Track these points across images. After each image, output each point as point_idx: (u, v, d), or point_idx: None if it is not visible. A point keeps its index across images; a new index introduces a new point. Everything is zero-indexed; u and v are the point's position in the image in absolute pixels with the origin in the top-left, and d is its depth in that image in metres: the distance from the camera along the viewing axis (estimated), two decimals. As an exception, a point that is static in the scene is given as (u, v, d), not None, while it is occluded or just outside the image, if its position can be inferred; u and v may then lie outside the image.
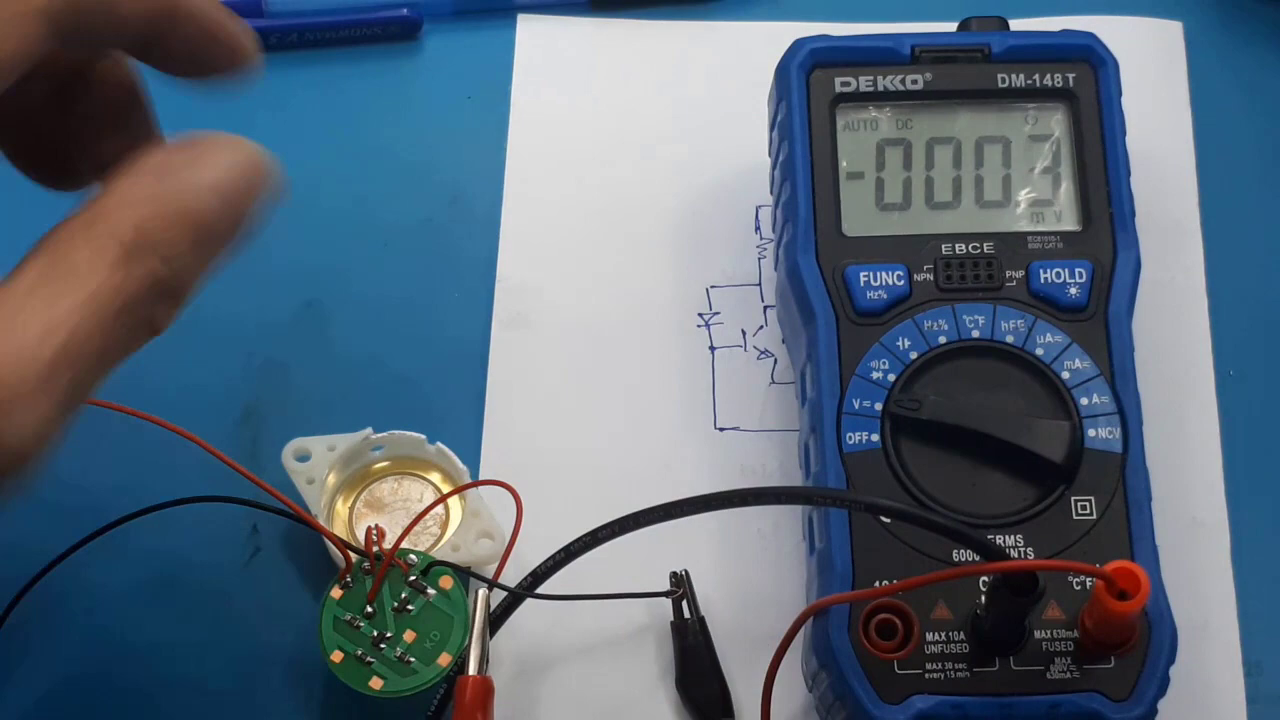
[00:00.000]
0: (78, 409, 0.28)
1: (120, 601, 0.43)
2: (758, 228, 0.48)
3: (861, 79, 0.42)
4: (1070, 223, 0.41)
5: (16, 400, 0.27)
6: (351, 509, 0.43)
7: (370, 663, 0.39)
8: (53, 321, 0.27)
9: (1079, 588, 0.37)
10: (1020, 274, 0.40)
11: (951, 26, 0.44)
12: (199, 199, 0.29)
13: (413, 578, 0.40)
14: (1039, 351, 0.40)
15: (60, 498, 0.44)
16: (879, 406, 0.39)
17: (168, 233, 0.29)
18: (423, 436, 0.43)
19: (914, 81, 0.42)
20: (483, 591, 0.39)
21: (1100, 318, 0.40)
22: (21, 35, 0.29)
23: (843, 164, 0.42)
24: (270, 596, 0.43)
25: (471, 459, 0.44)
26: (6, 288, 0.28)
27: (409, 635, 0.40)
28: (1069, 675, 0.37)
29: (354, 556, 0.40)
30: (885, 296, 0.40)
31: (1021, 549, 0.38)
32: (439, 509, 0.42)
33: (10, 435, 0.27)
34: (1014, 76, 0.42)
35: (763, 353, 0.46)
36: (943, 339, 0.40)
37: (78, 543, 0.42)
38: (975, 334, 0.40)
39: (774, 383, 0.46)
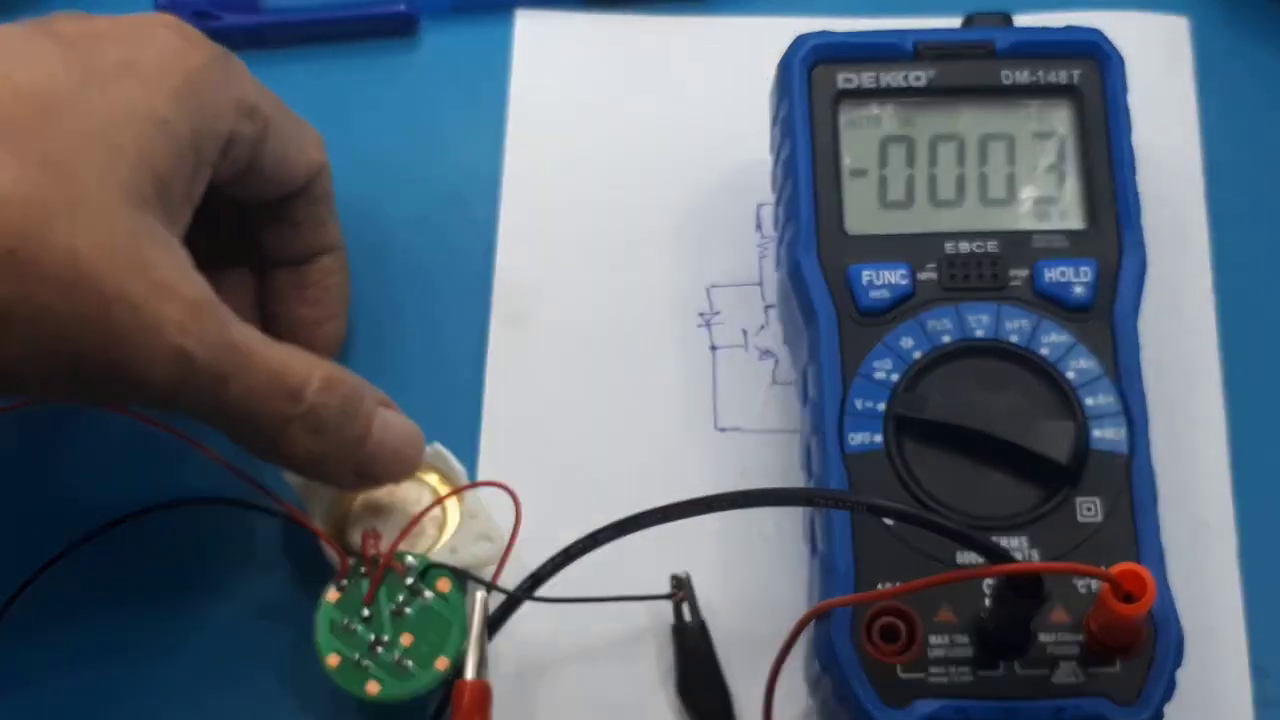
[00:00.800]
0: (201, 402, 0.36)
1: (119, 601, 0.43)
2: (759, 226, 0.48)
3: (864, 75, 0.42)
4: (1075, 221, 0.41)
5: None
6: (349, 511, 0.43)
7: (367, 667, 0.39)
8: (251, 333, 0.37)
9: (1084, 590, 0.37)
10: (1025, 273, 0.40)
11: (955, 22, 0.44)
12: (375, 417, 0.39)
13: (410, 580, 0.40)
14: (1044, 351, 0.39)
15: (60, 497, 0.44)
16: (882, 407, 0.39)
17: (351, 408, 0.38)
18: (421, 437, 0.43)
19: (917, 78, 0.42)
20: (481, 594, 0.39)
21: (1106, 317, 0.40)
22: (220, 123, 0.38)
23: (845, 161, 0.41)
24: (267, 598, 0.43)
25: (470, 460, 0.44)
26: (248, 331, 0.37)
27: (406, 639, 0.39)
28: (1074, 679, 0.36)
29: (351, 559, 0.40)
30: (888, 295, 0.40)
31: (1026, 551, 0.38)
32: (436, 511, 0.42)
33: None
34: (1018, 73, 0.42)
35: (764, 353, 0.46)
36: (946, 338, 0.40)
37: (77, 542, 0.42)
38: (979, 333, 0.40)
39: (775, 383, 0.45)
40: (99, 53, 0.36)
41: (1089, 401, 0.39)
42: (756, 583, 0.42)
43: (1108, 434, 0.39)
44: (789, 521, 0.43)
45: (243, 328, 0.36)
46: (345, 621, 0.39)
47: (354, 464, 0.38)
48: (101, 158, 0.34)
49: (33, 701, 0.42)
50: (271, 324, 0.44)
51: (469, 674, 0.38)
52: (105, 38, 0.36)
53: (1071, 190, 0.42)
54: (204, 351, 0.35)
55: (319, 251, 0.44)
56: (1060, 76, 0.42)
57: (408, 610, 0.40)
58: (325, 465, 0.38)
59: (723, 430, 0.45)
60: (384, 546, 0.40)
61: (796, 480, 0.43)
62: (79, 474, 0.44)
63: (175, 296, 0.35)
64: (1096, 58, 0.42)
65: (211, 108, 0.37)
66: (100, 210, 0.34)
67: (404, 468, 0.40)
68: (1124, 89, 0.42)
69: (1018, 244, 0.41)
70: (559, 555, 0.38)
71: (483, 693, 0.38)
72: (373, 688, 0.39)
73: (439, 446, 0.43)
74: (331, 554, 0.40)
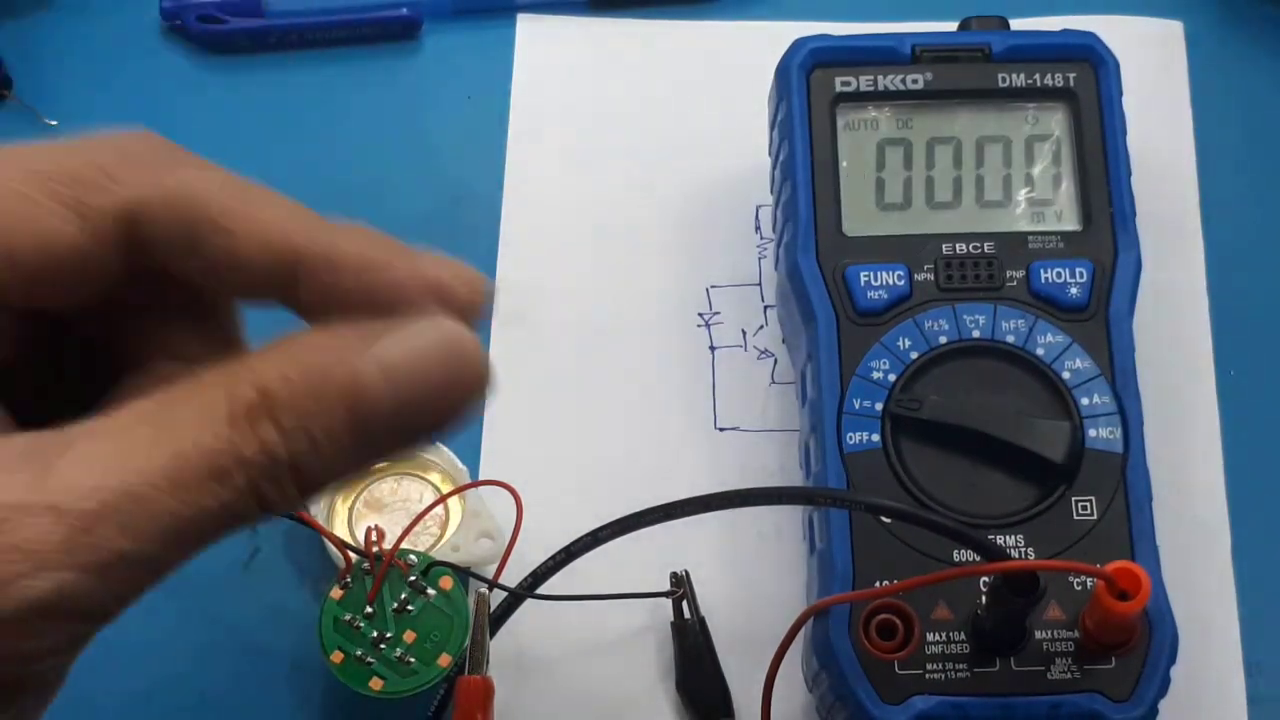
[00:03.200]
0: (136, 586, 0.24)
1: (120, 602, 0.43)
2: (758, 227, 0.48)
3: (862, 79, 0.42)
4: (1071, 222, 0.41)
5: (30, 556, 0.22)
6: (351, 509, 0.43)
7: (370, 663, 0.39)
8: (113, 471, 0.23)
9: (1080, 588, 0.37)
10: (1021, 274, 0.40)
11: (952, 26, 0.44)
12: (358, 376, 0.24)
13: (413, 578, 0.40)
14: (1040, 351, 0.40)
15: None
16: (879, 406, 0.39)
17: (304, 402, 0.24)
18: (422, 436, 0.43)
19: (914, 81, 0.42)
20: (483, 592, 0.39)
21: (1101, 317, 0.40)
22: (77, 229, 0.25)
23: (843, 164, 0.42)
24: (270, 596, 0.43)
25: (471, 459, 0.44)
26: (92, 426, 0.24)
27: (409, 636, 0.40)
28: (1069, 675, 0.37)
29: (354, 557, 0.40)
30: (886, 296, 0.40)
31: (1022, 549, 0.38)
32: (439, 509, 0.42)
33: (9, 597, 0.22)
34: (1014, 76, 0.42)
35: (763, 353, 0.46)
36: (943, 339, 0.40)
37: (77, 543, 0.41)
38: (976, 334, 0.40)
39: (774, 383, 0.46)
40: None
41: (1084, 401, 0.39)
42: (755, 580, 0.43)
43: (1103, 433, 0.39)
44: (787, 520, 0.43)
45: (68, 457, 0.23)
46: (349, 618, 0.40)
47: (362, 457, 0.25)
48: None
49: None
50: None
51: (470, 670, 0.38)
52: None
53: (1067, 192, 0.42)
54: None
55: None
56: (1056, 80, 0.42)
57: (410, 608, 0.40)
58: (338, 481, 0.26)
59: (722, 430, 0.45)
60: (387, 544, 0.41)
61: (795, 479, 0.43)
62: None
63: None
64: (1092, 61, 0.42)
65: None
66: None
67: (447, 395, 0.26)
68: (1119, 92, 0.42)
69: (1014, 245, 0.41)
70: (560, 554, 0.38)
71: (484, 689, 0.38)
72: (376, 684, 0.39)
73: (441, 446, 0.43)
74: (335, 552, 0.40)
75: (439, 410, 0.26)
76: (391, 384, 0.25)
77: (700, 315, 0.47)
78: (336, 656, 0.39)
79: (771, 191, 0.44)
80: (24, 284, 0.26)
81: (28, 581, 0.22)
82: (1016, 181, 0.42)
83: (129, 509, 0.23)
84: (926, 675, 0.37)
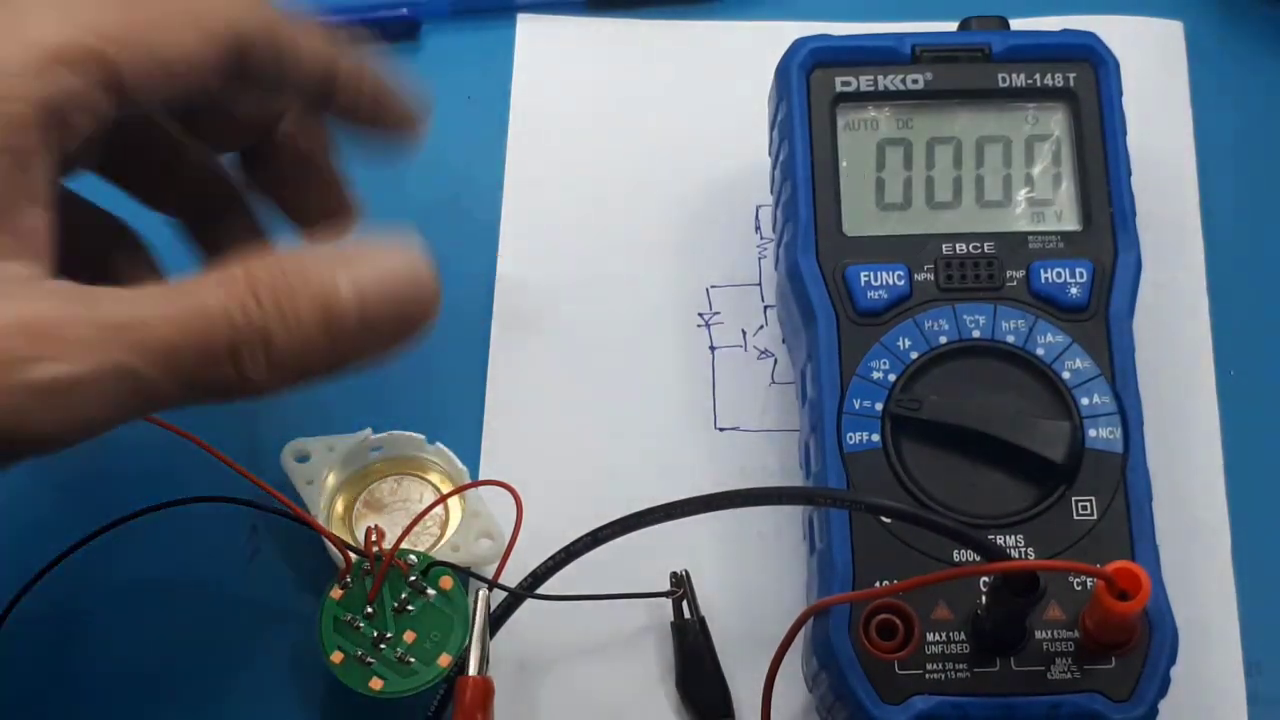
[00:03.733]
0: (127, 407, 0.30)
1: (120, 601, 0.43)
2: (758, 227, 0.48)
3: (862, 78, 0.42)
4: (1071, 222, 0.41)
5: (55, 343, 0.28)
6: (351, 509, 0.43)
7: (370, 663, 0.39)
8: (135, 303, 0.30)
9: (1080, 588, 0.37)
10: (1021, 274, 0.40)
11: (952, 26, 0.44)
12: (333, 289, 0.31)
13: (413, 578, 0.40)
14: (1039, 351, 0.40)
15: (60, 498, 0.44)
16: (879, 406, 0.39)
17: (284, 290, 0.30)
18: (422, 436, 0.43)
19: (914, 81, 0.42)
20: (483, 592, 0.39)
21: (1101, 318, 0.40)
22: (201, 40, 0.33)
23: (843, 164, 0.42)
24: (270, 596, 0.43)
25: (471, 459, 0.44)
26: (119, 290, 0.30)
27: (409, 636, 0.40)
28: (1070, 676, 0.37)
29: (354, 557, 0.40)
30: (886, 296, 0.40)
31: (1022, 549, 0.38)
32: (439, 509, 0.42)
33: (37, 373, 0.28)
34: (1014, 76, 0.42)
35: (763, 353, 0.46)
36: (943, 339, 0.40)
37: (78, 543, 0.42)
38: (976, 334, 0.40)
39: (774, 383, 0.46)
40: None
41: (1084, 401, 0.39)
42: (755, 580, 0.43)
43: (1103, 433, 0.39)
44: (787, 520, 0.43)
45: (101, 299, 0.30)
46: (349, 619, 0.40)
47: (328, 356, 0.32)
48: None
49: (35, 702, 0.42)
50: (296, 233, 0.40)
51: (471, 670, 0.38)
52: None
53: (1067, 192, 0.42)
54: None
55: (272, 120, 0.38)
56: (1056, 80, 0.42)
57: (410, 607, 0.40)
58: (306, 374, 0.32)
59: (722, 430, 0.45)
60: (387, 544, 0.41)
61: (795, 479, 0.43)
62: (79, 475, 0.44)
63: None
64: (1092, 61, 0.42)
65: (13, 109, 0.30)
66: None
67: (408, 317, 0.33)
68: (1119, 92, 0.42)
69: (1014, 245, 0.41)
70: (560, 553, 0.39)
71: (484, 689, 0.38)
72: (376, 684, 0.39)
73: (441, 446, 0.43)
74: (335, 552, 0.40)
75: (397, 327, 0.32)
76: (359, 296, 0.31)
77: (700, 315, 0.47)
78: (336, 656, 0.39)
79: (771, 191, 0.44)
80: (160, 81, 0.32)
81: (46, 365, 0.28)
82: (1016, 181, 0.42)
83: (140, 335, 0.29)
84: (926, 675, 0.37)
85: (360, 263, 0.32)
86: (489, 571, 0.40)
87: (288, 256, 0.31)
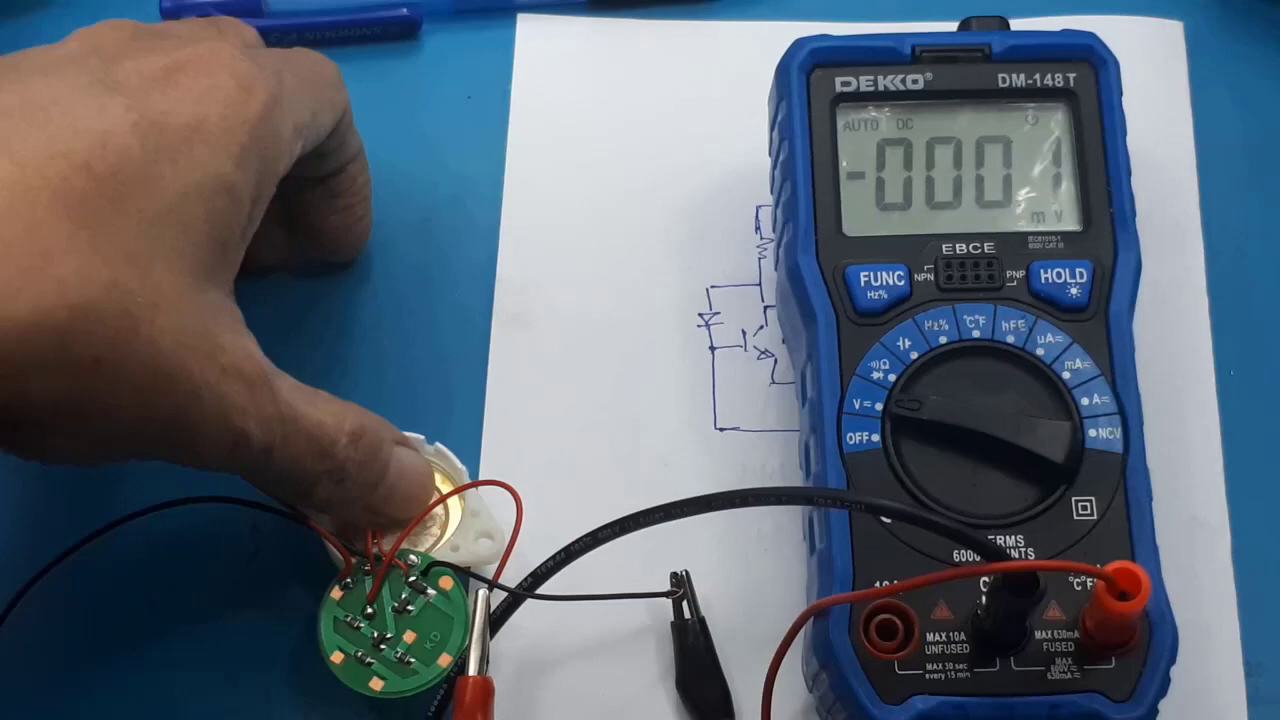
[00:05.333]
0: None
1: (120, 601, 0.43)
2: (758, 228, 0.48)
3: (862, 79, 0.42)
4: (1071, 223, 0.41)
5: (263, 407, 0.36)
6: (351, 509, 0.43)
7: (370, 664, 0.39)
8: (291, 404, 0.37)
9: (1080, 588, 0.37)
10: (1021, 274, 0.40)
11: (952, 26, 0.44)
12: (390, 457, 0.40)
13: (413, 578, 0.40)
14: (1040, 351, 0.40)
15: (60, 498, 0.44)
16: (879, 407, 0.39)
17: (366, 450, 0.39)
18: (422, 437, 0.43)
19: (914, 81, 0.42)
20: (483, 592, 0.39)
21: (1101, 318, 0.40)
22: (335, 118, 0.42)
23: (843, 164, 0.42)
24: (270, 596, 0.43)
25: (471, 459, 0.44)
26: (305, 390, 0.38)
27: (409, 636, 0.40)
28: (1070, 676, 0.37)
29: (354, 558, 0.40)
30: (886, 296, 0.40)
31: (1022, 549, 0.38)
32: (439, 509, 0.42)
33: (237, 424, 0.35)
34: (1014, 76, 0.42)
35: (763, 353, 0.46)
36: (943, 339, 0.40)
37: (78, 542, 0.42)
38: (976, 334, 0.40)
39: (774, 383, 0.46)
40: (165, 113, 0.34)
41: (1084, 401, 0.39)
42: (755, 580, 0.43)
43: (1103, 433, 0.39)
44: (788, 520, 0.43)
45: (286, 389, 0.37)
46: (349, 619, 0.40)
47: (367, 505, 0.40)
48: (172, 240, 0.34)
49: (35, 702, 0.42)
50: (303, 232, 0.45)
51: (471, 670, 0.38)
52: (169, 86, 0.35)
53: (1067, 192, 0.42)
54: (258, 428, 0.35)
55: (346, 163, 0.44)
56: (1056, 80, 0.42)
57: (411, 608, 0.40)
58: (344, 508, 0.40)
59: (722, 430, 0.45)
60: (387, 545, 0.41)
61: (795, 479, 0.43)
62: (80, 475, 0.44)
63: (240, 377, 0.35)
64: (1092, 61, 0.42)
65: (273, 154, 0.37)
66: (175, 302, 0.34)
67: (413, 508, 0.41)
68: (1119, 92, 0.42)
69: (1014, 245, 0.41)
70: (560, 554, 0.39)
71: (485, 689, 0.38)
72: (376, 684, 0.39)
73: (441, 446, 0.43)
74: (335, 553, 0.40)
75: (407, 501, 0.41)
76: (399, 474, 0.40)
77: (700, 315, 0.47)
78: (336, 657, 0.39)
79: (771, 191, 0.44)
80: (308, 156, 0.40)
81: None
82: (1016, 181, 0.42)
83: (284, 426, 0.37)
84: (926, 675, 0.37)
85: (405, 452, 0.41)
86: (489, 571, 0.40)
87: (370, 421, 0.39)
